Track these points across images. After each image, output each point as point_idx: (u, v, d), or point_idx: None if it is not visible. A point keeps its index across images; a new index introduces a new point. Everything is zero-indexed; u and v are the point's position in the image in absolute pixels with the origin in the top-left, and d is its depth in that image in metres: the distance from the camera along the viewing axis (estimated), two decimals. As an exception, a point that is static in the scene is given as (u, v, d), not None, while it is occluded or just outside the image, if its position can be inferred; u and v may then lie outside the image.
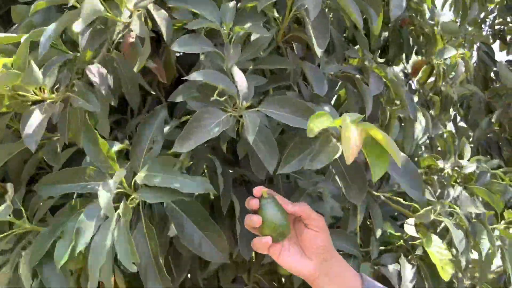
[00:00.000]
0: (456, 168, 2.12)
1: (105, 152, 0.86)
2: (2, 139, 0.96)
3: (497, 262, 3.19)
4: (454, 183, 1.69)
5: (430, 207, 1.19)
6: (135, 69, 1.03)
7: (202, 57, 1.06)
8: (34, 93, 0.89)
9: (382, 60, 1.28)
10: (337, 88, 1.38)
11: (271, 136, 0.87)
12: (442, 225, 1.23)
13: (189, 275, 1.35)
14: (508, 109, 2.58)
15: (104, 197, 0.76)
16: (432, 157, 1.39)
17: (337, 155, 0.85)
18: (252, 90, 0.90)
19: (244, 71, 0.94)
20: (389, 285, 1.20)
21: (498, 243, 1.23)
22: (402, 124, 1.56)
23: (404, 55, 2.11)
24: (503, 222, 1.28)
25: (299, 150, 0.86)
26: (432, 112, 2.61)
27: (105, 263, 0.77)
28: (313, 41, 0.93)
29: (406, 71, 2.53)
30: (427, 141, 1.96)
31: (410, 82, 2.59)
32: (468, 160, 2.27)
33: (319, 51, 0.93)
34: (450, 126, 2.97)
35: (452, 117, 2.83)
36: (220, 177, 0.99)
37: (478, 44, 2.63)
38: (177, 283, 1.24)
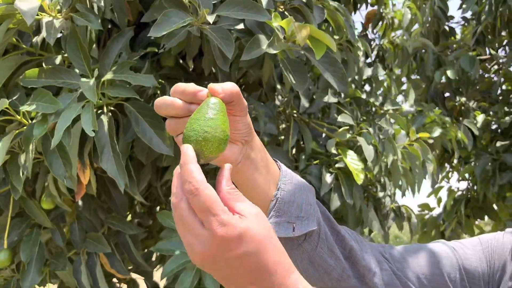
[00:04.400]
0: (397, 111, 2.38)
1: (85, 57, 1.10)
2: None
3: (438, 210, 3.51)
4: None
5: (347, 127, 1.44)
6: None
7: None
8: (45, 11, 1.10)
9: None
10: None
11: (227, 32, 1.12)
12: (358, 144, 1.49)
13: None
14: (457, 62, 2.82)
15: (86, 85, 1.01)
16: (358, 90, 1.63)
17: (284, 47, 1.15)
18: (211, 2, 1.15)
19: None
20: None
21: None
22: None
23: (357, 3, 2.29)
24: (408, 140, 1.55)
25: (256, 45, 1.16)
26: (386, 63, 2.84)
27: (69, 131, 1.02)
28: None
29: (362, 22, 2.74)
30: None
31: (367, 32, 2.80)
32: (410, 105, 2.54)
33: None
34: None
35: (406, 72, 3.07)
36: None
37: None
38: (140, 189, 1.49)
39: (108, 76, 1.10)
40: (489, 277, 0.70)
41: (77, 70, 1.11)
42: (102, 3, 1.13)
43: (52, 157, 1.12)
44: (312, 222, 0.63)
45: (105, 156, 1.07)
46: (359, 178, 1.39)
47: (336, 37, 1.49)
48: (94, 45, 1.23)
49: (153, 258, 1.78)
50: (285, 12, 1.38)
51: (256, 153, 0.62)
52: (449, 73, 2.71)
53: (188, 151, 0.50)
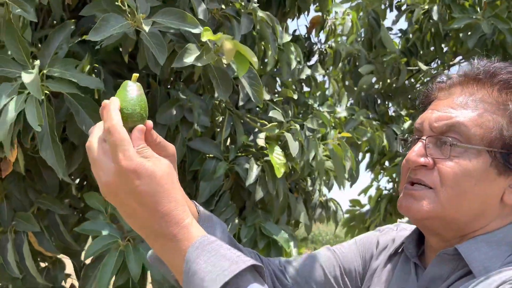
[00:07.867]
0: (332, 113, 2.54)
1: (23, 48, 1.13)
2: None
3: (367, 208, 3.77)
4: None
5: (276, 123, 1.56)
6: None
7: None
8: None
9: (256, 5, 1.58)
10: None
11: (161, 38, 1.21)
12: (285, 139, 1.60)
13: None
14: (385, 69, 3.03)
15: (28, 77, 1.04)
16: (289, 90, 1.75)
17: (212, 60, 1.26)
18: (148, 6, 1.24)
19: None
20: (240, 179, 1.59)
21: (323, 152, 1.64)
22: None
23: (301, 9, 2.41)
24: (334, 138, 1.70)
25: (187, 55, 1.25)
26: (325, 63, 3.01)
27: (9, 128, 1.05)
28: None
29: (307, 25, 2.89)
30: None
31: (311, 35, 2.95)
32: (344, 108, 2.72)
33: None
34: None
35: (341, 75, 3.26)
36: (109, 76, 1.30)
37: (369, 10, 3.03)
38: (70, 170, 1.52)
39: (52, 72, 1.14)
40: (363, 268, 0.88)
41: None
42: None
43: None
44: None
45: (45, 145, 1.12)
46: (280, 172, 1.51)
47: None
48: (29, 28, 1.25)
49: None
50: (220, 18, 1.48)
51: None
52: (373, 79, 2.92)
53: (112, 103, 0.58)
